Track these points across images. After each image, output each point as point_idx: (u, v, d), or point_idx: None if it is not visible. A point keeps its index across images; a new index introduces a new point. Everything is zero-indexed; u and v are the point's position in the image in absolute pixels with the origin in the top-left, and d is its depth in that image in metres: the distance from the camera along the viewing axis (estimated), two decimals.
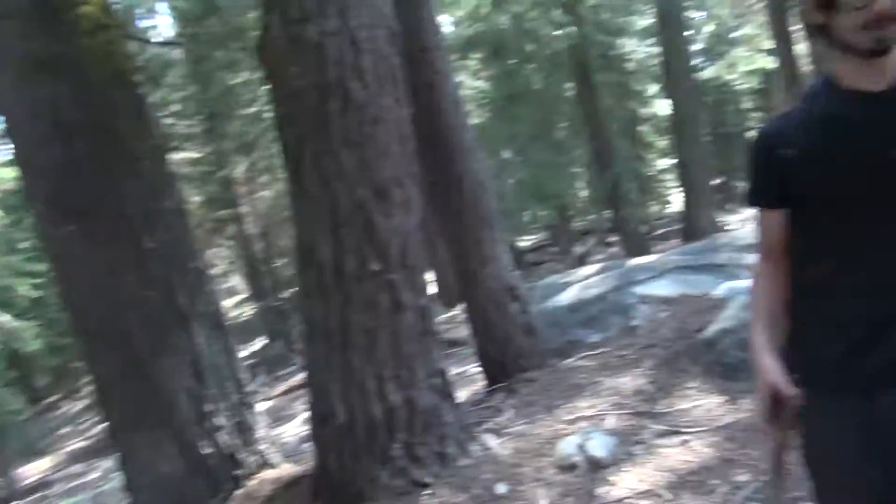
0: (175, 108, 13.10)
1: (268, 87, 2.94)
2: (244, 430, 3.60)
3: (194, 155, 15.07)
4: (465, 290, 4.75)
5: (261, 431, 3.75)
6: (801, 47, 13.54)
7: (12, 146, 3.65)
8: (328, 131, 2.73)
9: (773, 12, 13.81)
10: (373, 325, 2.96)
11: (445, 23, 13.11)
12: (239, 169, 15.62)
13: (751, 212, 1.47)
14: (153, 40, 11.07)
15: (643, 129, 15.81)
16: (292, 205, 3.06)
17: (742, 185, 27.34)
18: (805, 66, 13.60)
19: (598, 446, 3.15)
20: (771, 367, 1.32)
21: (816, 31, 1.27)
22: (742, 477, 2.68)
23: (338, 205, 2.81)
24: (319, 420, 3.15)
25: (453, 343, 7.75)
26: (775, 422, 1.33)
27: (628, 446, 3.26)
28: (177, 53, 11.69)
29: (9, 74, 3.30)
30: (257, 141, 13.15)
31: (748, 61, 14.62)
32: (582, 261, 13.06)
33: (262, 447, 3.67)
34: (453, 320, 9.53)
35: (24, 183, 3.64)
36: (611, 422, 3.61)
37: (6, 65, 3.29)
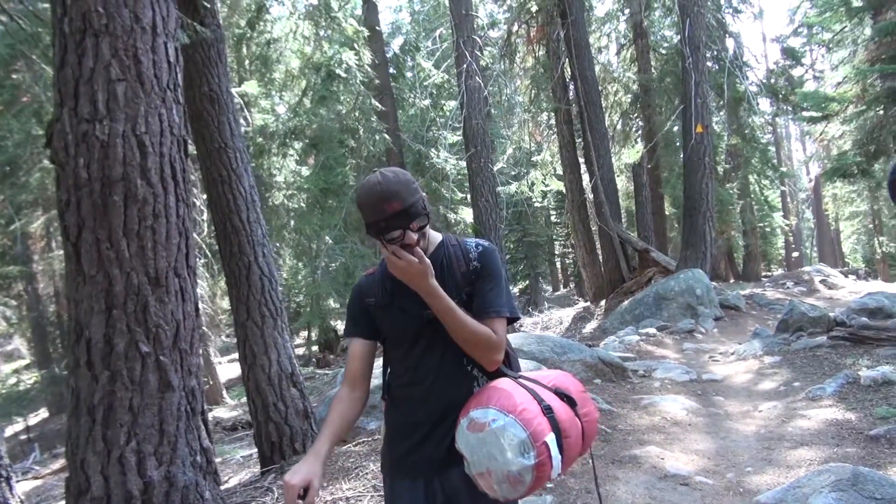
0: None
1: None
2: None
3: None
4: (247, 374, 4.96)
5: None
6: (586, 177, 15.72)
7: None
8: (109, 221, 2.95)
9: (563, 144, 15.99)
10: (138, 403, 3.10)
11: (271, 112, 13.60)
12: (36, 223, 14.40)
13: None
14: None
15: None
16: (68, 283, 3.19)
17: (545, 289, 29.99)
18: (589, 193, 15.72)
19: None
20: (309, 461, 1.69)
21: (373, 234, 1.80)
22: None
23: (113, 287, 3.01)
24: (75, 494, 3.15)
25: (250, 425, 7.75)
26: (295, 499, 1.62)
27: None
28: None
29: None
30: None
31: (543, 182, 16.58)
32: None
33: None
34: None
35: None
36: (364, 503, 3.99)
37: None
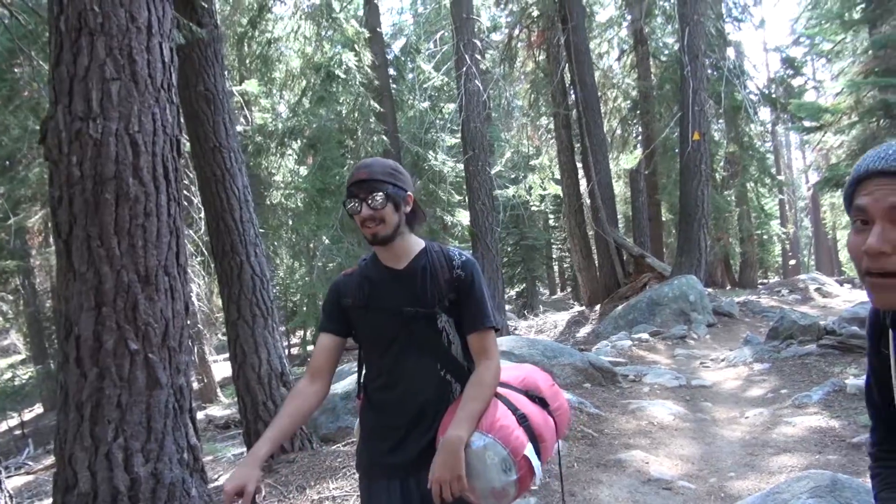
0: None
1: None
2: None
3: None
4: (237, 374, 5.00)
5: (4, 501, 3.65)
6: (584, 182, 15.76)
7: None
8: (101, 219, 2.98)
9: (561, 149, 16.02)
10: (126, 400, 3.12)
11: (270, 111, 13.63)
12: (33, 218, 14.38)
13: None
14: None
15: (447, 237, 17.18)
16: (58, 278, 3.22)
17: (542, 292, 30.05)
18: (586, 198, 15.76)
19: None
20: (245, 464, 1.73)
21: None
22: None
23: (103, 285, 3.03)
24: (63, 489, 3.17)
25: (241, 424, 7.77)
26: (231, 502, 1.66)
27: None
28: None
29: None
30: None
31: (541, 186, 16.63)
32: None
33: None
34: None
35: None
36: (351, 503, 4.02)
37: None
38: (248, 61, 14.93)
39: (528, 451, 1.72)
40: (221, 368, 17.24)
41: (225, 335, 18.78)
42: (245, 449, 5.35)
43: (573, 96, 15.63)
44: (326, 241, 12.84)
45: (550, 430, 1.86)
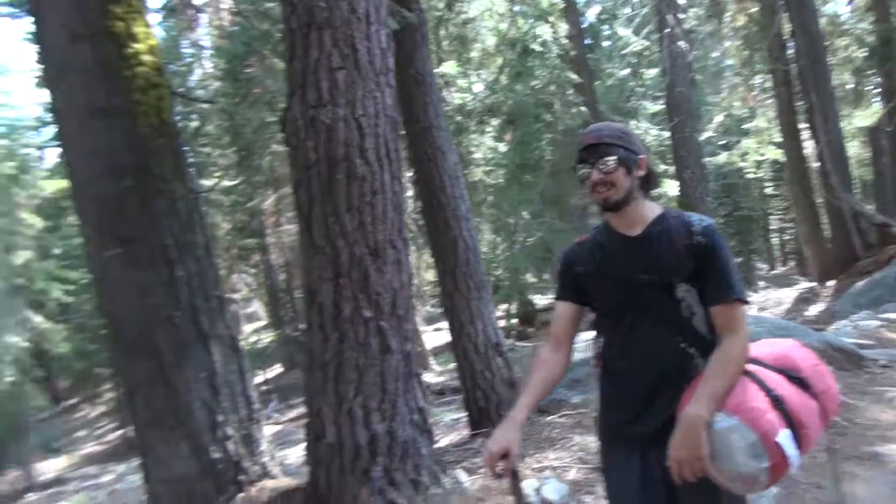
0: (211, 138, 13.91)
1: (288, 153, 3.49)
2: (250, 442, 4.00)
3: (227, 184, 15.73)
4: (455, 344, 5.20)
5: (264, 446, 4.16)
6: (809, 143, 14.11)
7: (70, 178, 4.10)
8: (334, 197, 3.24)
9: (782, 109, 14.47)
10: (363, 363, 3.37)
11: (468, 90, 13.93)
12: (268, 201, 16.22)
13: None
14: (194, 97, 12.03)
15: None
16: (302, 253, 3.56)
17: (760, 267, 27.62)
18: (812, 161, 14.10)
19: (552, 491, 3.59)
20: (506, 428, 1.76)
21: None
22: None
23: (339, 258, 3.30)
24: (313, 438, 3.50)
25: (457, 391, 8.08)
26: (495, 463, 1.73)
27: (580, 495, 3.65)
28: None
29: (73, 119, 3.86)
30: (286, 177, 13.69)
31: (758, 152, 15.17)
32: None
33: (264, 459, 4.05)
34: None
35: (77, 210, 4.06)
36: (571, 473, 4.00)
37: (71, 111, 3.84)
38: (444, 44, 15.33)
39: (783, 437, 1.55)
40: (431, 338, 18.16)
41: (433, 307, 19.62)
42: (465, 413, 5.57)
43: (794, 49, 13.97)
44: (527, 216, 12.87)
45: (813, 416, 1.65)
